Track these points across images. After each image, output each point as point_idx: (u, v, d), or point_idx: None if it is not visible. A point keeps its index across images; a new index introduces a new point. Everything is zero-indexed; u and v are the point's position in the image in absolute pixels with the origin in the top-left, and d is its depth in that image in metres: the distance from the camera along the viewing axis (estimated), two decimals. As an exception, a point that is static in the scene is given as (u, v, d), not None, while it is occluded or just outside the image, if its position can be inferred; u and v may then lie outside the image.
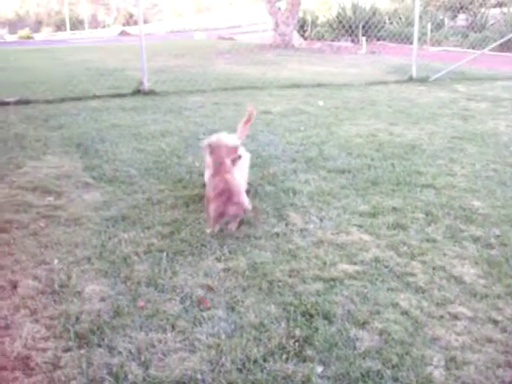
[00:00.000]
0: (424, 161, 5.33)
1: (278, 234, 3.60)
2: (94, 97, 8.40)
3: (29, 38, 33.97)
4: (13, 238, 3.47)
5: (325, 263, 3.25)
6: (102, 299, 2.80)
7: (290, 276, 3.09)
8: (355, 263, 3.28)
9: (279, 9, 17.96)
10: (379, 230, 3.73)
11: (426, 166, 5.18)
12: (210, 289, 2.93)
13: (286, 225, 3.76)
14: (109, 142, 5.68)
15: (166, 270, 3.08)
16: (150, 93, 8.63)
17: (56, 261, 3.17)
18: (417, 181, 4.73)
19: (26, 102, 7.92)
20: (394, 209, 4.11)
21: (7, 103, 7.85)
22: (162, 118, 6.89)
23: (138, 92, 8.57)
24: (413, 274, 3.15)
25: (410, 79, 11.26)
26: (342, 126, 6.76)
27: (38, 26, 44.22)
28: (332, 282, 3.04)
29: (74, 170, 4.83)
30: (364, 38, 19.70)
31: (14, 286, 2.91)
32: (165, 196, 4.21)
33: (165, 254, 3.27)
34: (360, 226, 3.79)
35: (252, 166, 4.94)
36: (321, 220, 3.88)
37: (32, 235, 3.52)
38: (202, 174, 4.71)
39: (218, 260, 3.23)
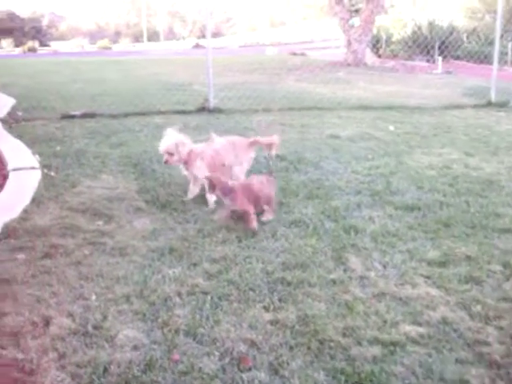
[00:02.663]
0: (503, 199, 4.82)
1: (334, 281, 3.26)
2: (159, 112, 8.36)
3: (107, 48, 35.19)
4: (55, 266, 3.32)
5: (385, 322, 2.88)
6: (135, 348, 2.56)
7: (343, 335, 2.75)
8: (420, 324, 2.88)
9: (352, 26, 17.58)
10: (449, 284, 3.31)
11: (505, 205, 4.67)
12: (253, 344, 2.64)
13: (345, 270, 3.41)
14: (167, 163, 5.53)
15: (207, 318, 2.82)
16: (215, 110, 8.50)
17: (94, 297, 2.98)
18: (494, 224, 4.24)
19: (92, 116, 7.97)
20: (468, 258, 3.66)
21: (74, 116, 7.93)
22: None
23: (202, 109, 8.46)
24: (487, 343, 2.72)
25: (489, 103, 10.58)
26: (413, 154, 6.32)
27: (116, 36, 45.84)
28: (392, 347, 2.67)
29: (127, 192, 4.69)
30: (440, 58, 18.96)
31: (47, 322, 2.74)
32: (217, 228, 3.96)
33: (209, 297, 3.00)
34: (428, 278, 3.39)
35: (313, 197, 4.66)
36: (384, 267, 3.51)
37: (74, 264, 3.36)
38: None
39: (266, 309, 2.93)
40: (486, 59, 20.86)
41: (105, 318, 2.78)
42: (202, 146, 4.66)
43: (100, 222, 4.04)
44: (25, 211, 4.18)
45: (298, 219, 4.15)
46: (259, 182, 4.15)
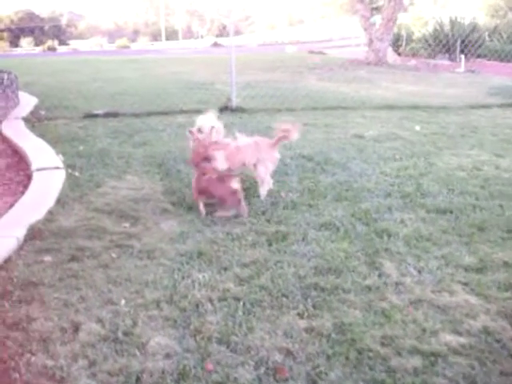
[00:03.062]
0: (538, 202, 4.66)
1: (369, 288, 3.15)
2: (181, 112, 8.29)
3: (126, 47, 35.35)
4: (82, 270, 3.25)
5: (424, 331, 2.77)
6: (168, 356, 2.48)
7: (382, 344, 2.64)
8: (460, 333, 2.76)
9: (374, 24, 17.37)
10: (488, 291, 3.17)
11: (541, 209, 4.51)
12: (289, 353, 2.54)
13: (379, 276, 3.30)
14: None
15: (240, 325, 2.72)
16: (238, 109, 8.41)
17: (123, 301, 2.90)
18: (531, 228, 4.09)
19: (114, 115, 7.94)
20: (506, 264, 3.52)
21: (96, 115, 7.90)
22: (247, 138, 6.61)
23: (225, 108, 8.37)
24: (533, 356, 2.59)
25: (516, 103, 10.36)
26: (442, 155, 6.16)
27: (135, 35, 46.06)
28: (433, 358, 2.56)
29: (153, 194, 4.61)
30: (463, 56, 18.66)
31: (76, 328, 2.67)
32: (246, 230, 3.87)
33: (241, 303, 2.91)
34: (465, 284, 3.26)
35: (342, 199, 4.55)
36: (419, 272, 3.38)
37: (102, 267, 3.29)
38: (286, 207, 4.36)
39: (301, 316, 2.83)
40: (507, 57, 20.53)
41: (135, 324, 2.71)
42: (228, 141, 4.60)
43: (126, 224, 3.97)
44: (50, 212, 4.12)
45: (328, 222, 4.04)
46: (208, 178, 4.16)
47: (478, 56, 20.96)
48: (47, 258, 3.40)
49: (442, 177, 5.31)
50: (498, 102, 10.34)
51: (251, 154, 4.55)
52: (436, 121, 8.32)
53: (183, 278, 3.17)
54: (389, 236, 3.85)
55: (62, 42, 40.45)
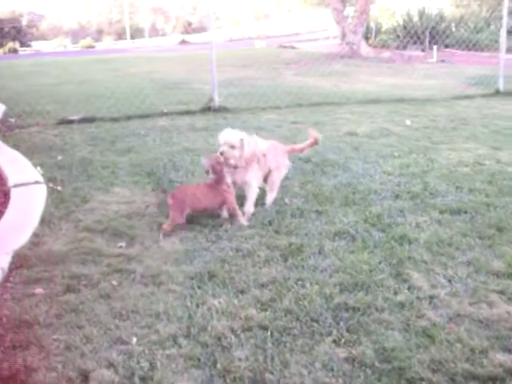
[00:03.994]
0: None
1: (403, 304, 2.86)
2: (162, 114, 7.90)
3: (91, 47, 34.49)
4: (81, 302, 2.88)
5: (472, 351, 2.50)
6: (197, 406, 2.15)
7: (433, 371, 2.36)
8: (511, 351, 2.50)
9: (348, 16, 17.18)
10: (528, 300, 2.93)
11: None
12: (333, 391, 2.23)
13: (410, 289, 3.02)
14: (183, 171, 5.09)
15: (273, 359, 2.40)
16: (221, 109, 8.05)
17: (135, 339, 2.54)
18: (551, 225, 3.88)
19: (91, 120, 7.50)
20: (537, 267, 3.29)
21: (72, 121, 7.45)
22: (237, 140, 6.27)
23: (208, 109, 8.01)
24: None
25: (497, 93, 10.27)
26: (440, 150, 5.94)
27: (99, 35, 45.02)
28: (490, 383, 2.29)
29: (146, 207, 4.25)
30: (435, 47, 18.65)
31: (85, 377, 2.30)
32: (256, 245, 3.54)
33: (268, 332, 2.58)
34: (501, 293, 3.00)
35: (350, 203, 4.26)
36: (449, 282, 3.12)
37: (103, 298, 2.92)
38: (294, 215, 4.04)
39: (337, 344, 2.52)
40: (475, 46, 20.64)
41: (153, 366, 2.36)
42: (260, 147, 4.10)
43: (122, 244, 3.60)
44: (35, 235, 3.72)
45: (342, 230, 3.75)
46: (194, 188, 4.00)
47: (446, 46, 21.02)
48: (39, 290, 3.01)
49: (446, 174, 5.08)
50: (479, 92, 10.26)
51: (272, 158, 4.22)
52: (424, 114, 8.14)
53: (198, 305, 2.82)
54: (409, 243, 3.58)
55: (24, 44, 39.21)
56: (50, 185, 4.79)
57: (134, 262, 3.32)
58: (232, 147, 3.85)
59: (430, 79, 12.65)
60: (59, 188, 4.71)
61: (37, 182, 4.76)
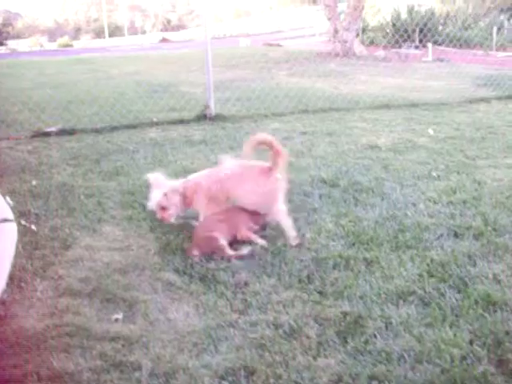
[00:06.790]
0: None
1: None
2: (152, 124, 6.96)
3: (68, 45, 33.26)
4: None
5: None
6: None
7: None
8: None
9: (342, 13, 16.35)
10: None
11: None
12: None
13: (526, 390, 2.16)
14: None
15: None
16: (219, 118, 7.13)
17: None
18: None
19: (71, 132, 6.54)
20: None
21: (48, 134, 6.47)
22: (244, 158, 5.37)
23: (203, 117, 7.09)
24: None
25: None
26: (481, 168, 5.10)
27: (76, 33, 43.64)
28: None
29: (145, 255, 3.32)
30: (430, 45, 17.92)
31: None
32: (299, 316, 2.63)
33: None
34: None
35: (402, 246, 3.41)
36: None
37: (99, 419, 2.01)
38: (337, 266, 3.16)
39: None
40: (466, 43, 20.05)
41: None
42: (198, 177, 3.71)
43: (119, 316, 2.68)
44: (1, 303, 2.79)
45: (406, 289, 2.87)
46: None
47: (436, 43, 20.36)
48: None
49: (502, 201, 4.23)
50: (493, 95, 9.49)
51: (238, 184, 3.59)
52: (444, 121, 7.31)
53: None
54: (498, 308, 2.72)
55: (-1, 43, 37.80)
56: (23, 222, 3.84)
57: (138, 350, 2.41)
58: (164, 209, 3.61)
59: (433, 80, 11.87)
60: (33, 227, 3.77)
61: (5, 220, 3.78)
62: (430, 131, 6.61)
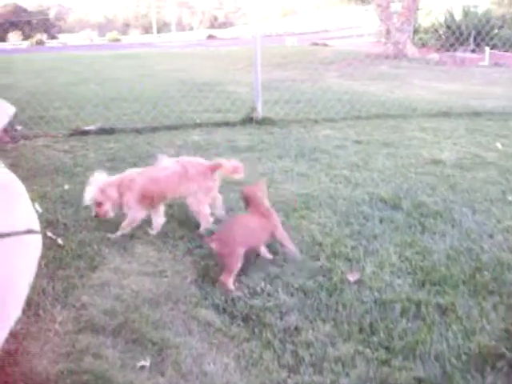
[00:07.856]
0: None
1: None
2: (195, 125, 6.56)
3: (117, 40, 33.53)
4: None
5: None
6: None
7: None
8: None
9: (395, 13, 15.62)
10: None
11: None
12: None
13: None
14: (229, 215, 3.74)
15: None
16: (266, 121, 6.66)
17: None
18: None
19: (110, 132, 6.19)
20: None
21: (87, 132, 6.15)
22: (294, 169, 4.87)
23: (250, 120, 6.64)
24: None
25: None
26: None
27: (125, 28, 44.01)
28: None
29: (180, 284, 2.89)
30: (487, 48, 17.01)
31: None
32: (362, 380, 2.17)
33: None
34: None
35: (482, 290, 2.86)
36: None
37: None
38: (405, 313, 2.65)
39: None
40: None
41: None
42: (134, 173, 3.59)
43: (146, 363, 2.26)
44: (12, 335, 2.41)
45: (493, 351, 2.34)
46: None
47: (492, 47, 19.36)
48: None
49: None
50: None
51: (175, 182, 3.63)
52: (512, 133, 6.66)
53: None
54: None
55: (51, 36, 38.46)
56: (49, 234, 3.49)
57: (166, 415, 1.98)
58: (99, 204, 3.45)
59: (493, 86, 11.09)
60: (59, 241, 3.40)
61: (29, 231, 3.43)
62: (499, 145, 5.97)
